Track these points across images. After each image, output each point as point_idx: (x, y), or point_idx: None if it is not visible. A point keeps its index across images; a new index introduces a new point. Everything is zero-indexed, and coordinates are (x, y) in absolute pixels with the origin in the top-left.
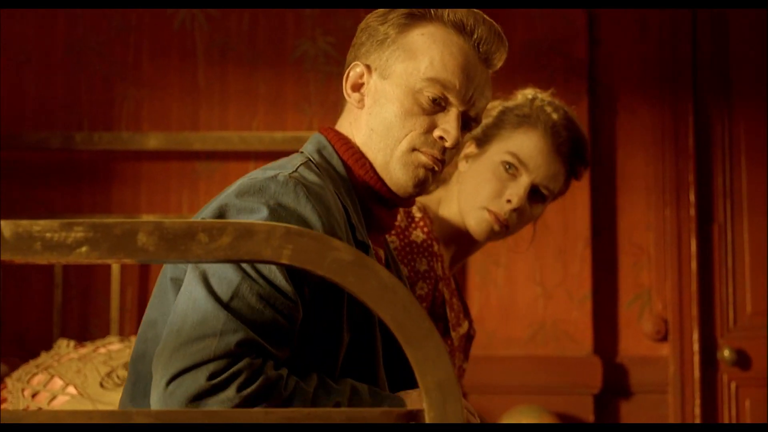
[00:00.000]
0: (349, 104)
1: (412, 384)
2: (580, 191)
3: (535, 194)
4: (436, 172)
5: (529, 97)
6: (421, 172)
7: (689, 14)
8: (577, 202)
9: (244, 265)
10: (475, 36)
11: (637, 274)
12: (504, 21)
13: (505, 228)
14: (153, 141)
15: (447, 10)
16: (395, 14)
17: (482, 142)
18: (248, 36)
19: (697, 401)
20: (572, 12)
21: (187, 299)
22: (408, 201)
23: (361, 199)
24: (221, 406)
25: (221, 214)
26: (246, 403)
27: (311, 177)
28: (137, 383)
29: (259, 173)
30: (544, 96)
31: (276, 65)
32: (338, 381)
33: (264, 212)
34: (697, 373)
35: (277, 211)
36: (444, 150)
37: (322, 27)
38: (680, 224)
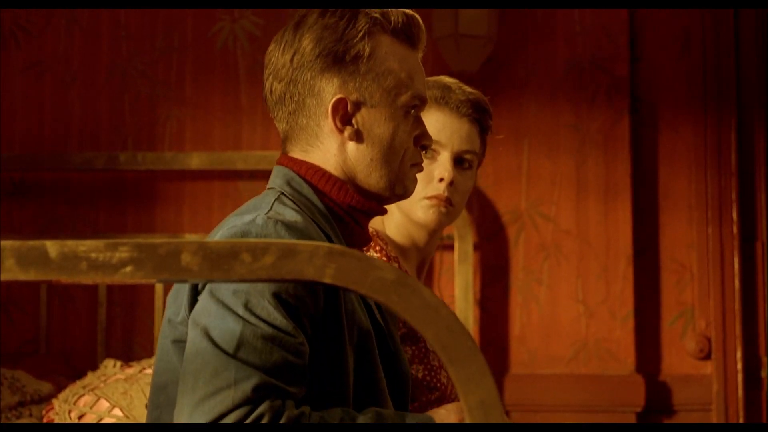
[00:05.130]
0: (323, 135)
1: (402, 391)
2: (623, 209)
3: (461, 163)
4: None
5: None
6: (416, 183)
7: (732, 30)
8: (619, 220)
9: (241, 313)
10: (419, 44)
11: (680, 292)
12: (546, 40)
13: (450, 205)
14: (196, 160)
15: (393, 19)
16: (354, 36)
17: None
18: None
19: (741, 420)
20: (614, 29)
21: (194, 357)
22: (383, 208)
23: (340, 221)
24: None
25: None
26: None
27: (288, 212)
28: None
29: (236, 220)
30: None
31: None
32: (363, 411)
33: None
34: (740, 392)
35: None
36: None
37: None
38: (723, 242)
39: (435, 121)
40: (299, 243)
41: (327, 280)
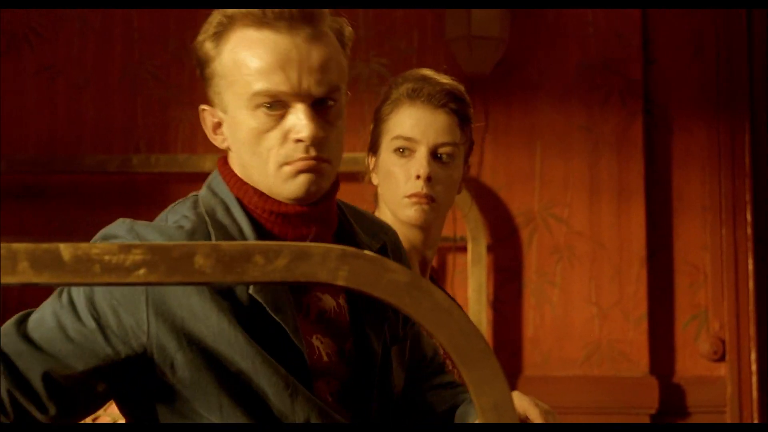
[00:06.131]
0: None
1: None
2: (636, 211)
3: (440, 157)
4: (318, 170)
5: (386, 88)
6: (302, 179)
7: (744, 32)
8: (632, 222)
9: (61, 297)
10: (272, 15)
11: (694, 294)
12: (559, 42)
13: (431, 201)
14: (209, 163)
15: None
16: (202, 42)
17: (374, 148)
18: None
19: (755, 421)
20: (627, 31)
21: None
22: (298, 209)
23: (256, 221)
24: None
25: None
26: None
27: (175, 216)
28: None
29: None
30: (397, 77)
31: None
32: None
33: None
34: (755, 394)
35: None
36: (308, 147)
37: (376, 49)
38: (737, 244)
39: (408, 117)
40: (312, 245)
41: (340, 282)
